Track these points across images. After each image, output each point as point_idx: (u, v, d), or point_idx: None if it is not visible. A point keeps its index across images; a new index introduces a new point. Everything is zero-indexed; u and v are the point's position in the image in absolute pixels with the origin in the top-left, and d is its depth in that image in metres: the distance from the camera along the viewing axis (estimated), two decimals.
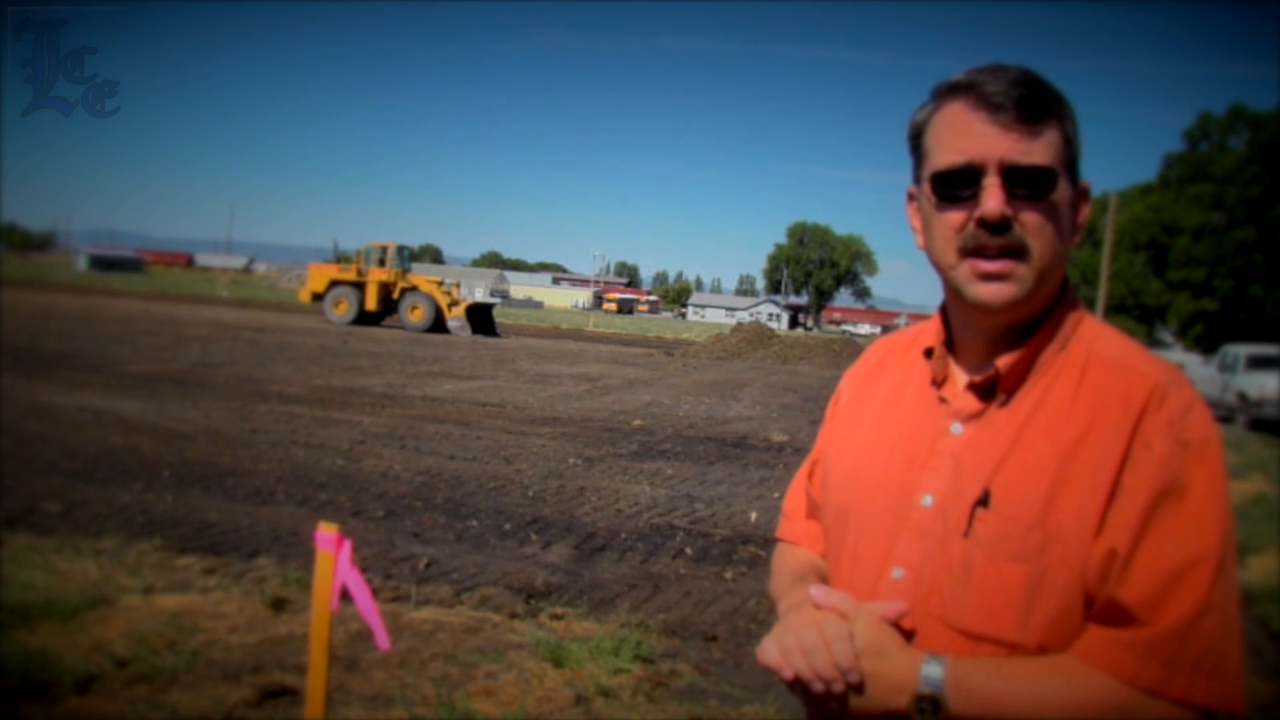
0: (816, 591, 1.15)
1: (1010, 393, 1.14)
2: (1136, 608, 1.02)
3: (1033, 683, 1.04)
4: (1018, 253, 1.09)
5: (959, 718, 1.05)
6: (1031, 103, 1.09)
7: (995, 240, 1.09)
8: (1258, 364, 19.20)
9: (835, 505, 1.28)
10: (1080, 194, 1.17)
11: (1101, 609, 1.05)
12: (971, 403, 1.16)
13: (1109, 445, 1.05)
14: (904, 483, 1.18)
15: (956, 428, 1.16)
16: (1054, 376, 1.13)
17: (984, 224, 1.09)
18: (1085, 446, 1.07)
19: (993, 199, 1.08)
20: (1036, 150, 1.09)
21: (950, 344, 1.22)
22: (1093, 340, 1.14)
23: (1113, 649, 1.03)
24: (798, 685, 1.10)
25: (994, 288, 1.11)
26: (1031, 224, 1.09)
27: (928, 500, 1.15)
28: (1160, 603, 1.02)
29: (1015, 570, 1.07)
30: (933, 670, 1.05)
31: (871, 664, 1.07)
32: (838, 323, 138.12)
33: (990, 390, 1.15)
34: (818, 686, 1.08)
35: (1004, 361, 1.14)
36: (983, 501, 1.10)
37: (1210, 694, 1.02)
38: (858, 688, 1.07)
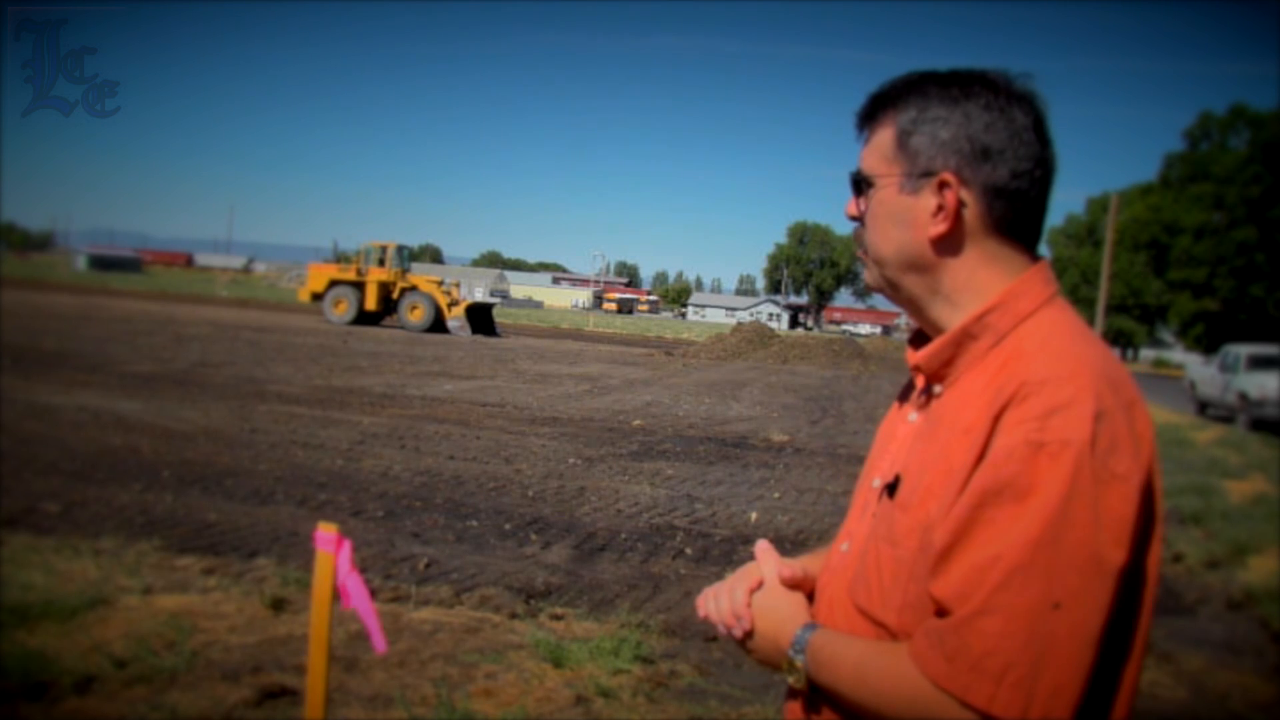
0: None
1: (944, 383, 1.16)
2: (943, 601, 1.02)
3: (862, 660, 1.10)
4: (865, 247, 1.22)
5: (817, 683, 1.15)
6: (863, 111, 1.21)
7: (854, 237, 1.25)
8: (1258, 364, 19.19)
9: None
10: (941, 183, 1.12)
11: (931, 601, 1.05)
12: (920, 392, 1.22)
13: (978, 439, 1.04)
14: (871, 465, 1.27)
15: (913, 416, 1.21)
16: (979, 369, 1.12)
17: None
18: (965, 439, 1.06)
19: (848, 203, 1.24)
20: (864, 156, 1.20)
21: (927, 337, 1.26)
22: (1029, 334, 1.11)
23: (918, 637, 1.04)
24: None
25: (864, 274, 1.26)
26: (866, 222, 1.21)
27: (876, 483, 1.22)
28: (958, 598, 1.00)
29: (887, 552, 1.12)
30: (803, 636, 1.17)
31: (761, 622, 1.23)
32: (838, 323, 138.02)
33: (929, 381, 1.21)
34: (720, 630, 1.27)
35: (922, 354, 1.18)
36: (892, 486, 1.15)
37: (994, 701, 0.96)
38: (748, 638, 1.24)
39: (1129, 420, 1.03)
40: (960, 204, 1.12)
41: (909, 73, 1.19)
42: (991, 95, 1.13)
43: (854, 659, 1.10)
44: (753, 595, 1.25)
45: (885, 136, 1.17)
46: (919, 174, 1.13)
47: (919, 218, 1.14)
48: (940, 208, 1.13)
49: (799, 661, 1.16)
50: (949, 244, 1.13)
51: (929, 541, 1.05)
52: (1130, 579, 1.01)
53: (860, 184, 1.20)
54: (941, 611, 1.02)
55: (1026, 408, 1.01)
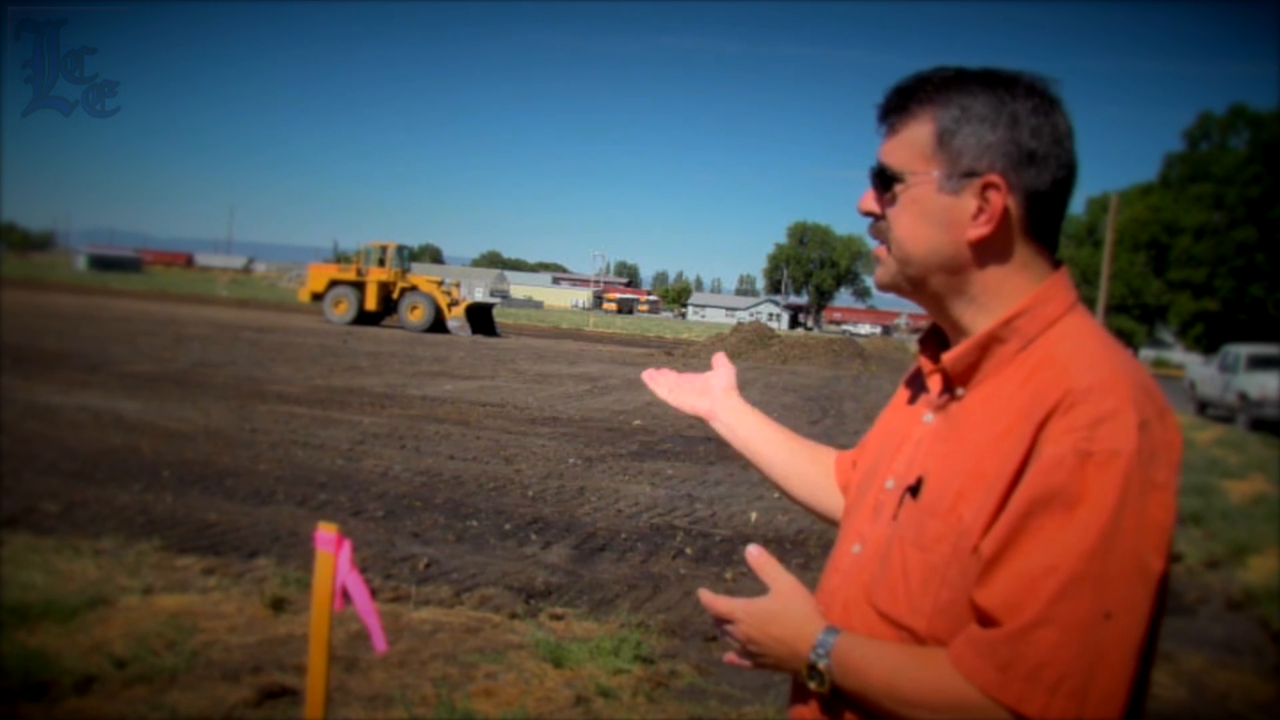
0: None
1: (968, 386, 1.15)
2: (990, 611, 1.01)
3: (896, 666, 1.08)
4: (887, 243, 1.18)
5: (842, 688, 1.12)
6: (892, 104, 1.16)
7: (872, 232, 1.20)
8: (1258, 364, 19.21)
9: (852, 483, 1.37)
10: (987, 185, 1.11)
11: (973, 609, 1.05)
12: (938, 393, 1.20)
13: (1017, 446, 1.04)
14: (881, 465, 1.24)
15: (928, 416, 1.19)
16: (1008, 374, 1.11)
17: None
18: (1001, 444, 1.05)
19: (862, 197, 1.20)
20: (891, 150, 1.16)
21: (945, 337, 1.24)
22: (1059, 339, 1.11)
23: (962, 646, 1.03)
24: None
25: (876, 270, 1.22)
26: (889, 218, 1.17)
27: (890, 484, 1.20)
28: (1008, 608, 1.00)
29: (916, 557, 1.10)
30: (826, 639, 1.14)
31: (774, 626, 1.18)
32: (838, 323, 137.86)
33: (951, 383, 1.18)
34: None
35: (949, 356, 1.16)
36: (914, 488, 1.14)
37: (1048, 710, 0.97)
38: (751, 656, 1.20)
39: (1163, 428, 1.04)
40: (1005, 208, 1.11)
41: (940, 67, 1.15)
42: (1038, 99, 1.11)
43: (887, 665, 1.09)
44: (761, 601, 1.20)
45: (922, 132, 1.13)
46: (961, 174, 1.11)
47: (959, 218, 1.12)
48: (981, 209, 1.11)
49: (823, 665, 1.13)
50: (988, 247, 1.12)
51: (963, 547, 1.05)
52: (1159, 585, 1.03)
53: (887, 179, 1.16)
54: (987, 620, 1.01)
55: (1073, 417, 1.01)
